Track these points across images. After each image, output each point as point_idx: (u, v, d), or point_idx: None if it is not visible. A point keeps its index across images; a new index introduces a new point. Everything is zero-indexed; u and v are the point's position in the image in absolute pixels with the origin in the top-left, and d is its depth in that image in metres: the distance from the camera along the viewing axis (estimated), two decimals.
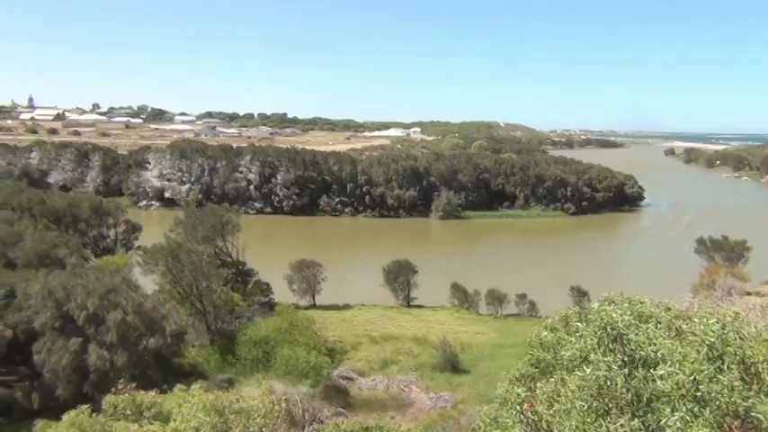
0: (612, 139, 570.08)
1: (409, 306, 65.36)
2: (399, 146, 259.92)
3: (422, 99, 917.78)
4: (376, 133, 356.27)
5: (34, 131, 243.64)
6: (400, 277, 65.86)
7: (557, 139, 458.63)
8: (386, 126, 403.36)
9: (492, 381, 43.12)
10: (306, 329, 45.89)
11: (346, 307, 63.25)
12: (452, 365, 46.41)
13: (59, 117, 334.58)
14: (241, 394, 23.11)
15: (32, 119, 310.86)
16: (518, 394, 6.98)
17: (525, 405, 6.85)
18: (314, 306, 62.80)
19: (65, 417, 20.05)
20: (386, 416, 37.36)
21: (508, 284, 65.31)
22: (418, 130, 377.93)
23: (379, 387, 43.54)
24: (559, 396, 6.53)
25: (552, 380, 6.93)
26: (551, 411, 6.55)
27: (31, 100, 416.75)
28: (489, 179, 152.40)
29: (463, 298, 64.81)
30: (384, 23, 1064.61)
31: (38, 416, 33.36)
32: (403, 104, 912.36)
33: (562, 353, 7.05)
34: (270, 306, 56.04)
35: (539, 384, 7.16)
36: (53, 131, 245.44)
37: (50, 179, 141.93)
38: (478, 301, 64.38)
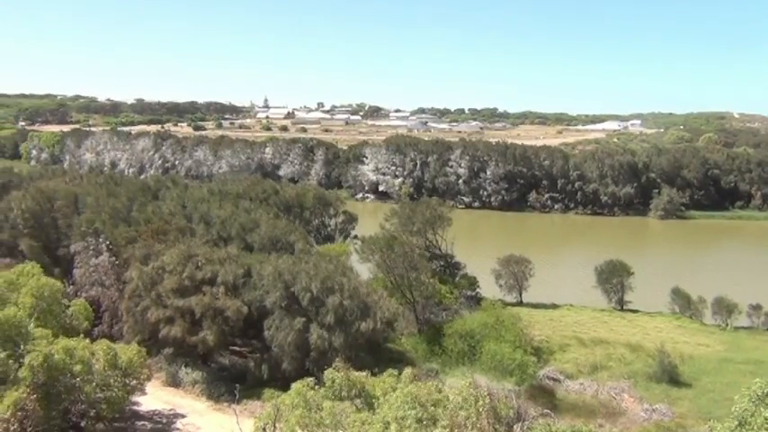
0: None
1: (622, 310, 61.66)
2: (615, 139, 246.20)
3: (641, 89, 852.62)
4: (590, 126, 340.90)
5: (268, 129, 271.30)
6: (614, 279, 62.30)
7: None
8: (601, 119, 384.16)
9: (717, 398, 39.42)
10: (512, 326, 45.43)
11: (554, 306, 61.45)
12: (670, 377, 43.02)
13: (289, 115, 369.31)
14: (442, 386, 23.67)
15: (267, 117, 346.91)
16: (766, 417, 6.28)
17: None
18: (520, 303, 61.90)
19: (293, 386, 22.26)
20: (594, 422, 35.83)
21: (739, 293, 58.85)
22: (637, 122, 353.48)
23: (588, 392, 41.82)
24: None
25: None
26: None
27: (266, 100, 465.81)
28: (719, 176, 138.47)
29: (685, 305, 59.55)
30: (596, 12, 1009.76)
31: (266, 385, 37.19)
32: (620, 95, 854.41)
33: None
34: (476, 300, 56.37)
35: None
36: (284, 128, 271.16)
37: (281, 172, 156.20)
38: (703, 309, 58.74)
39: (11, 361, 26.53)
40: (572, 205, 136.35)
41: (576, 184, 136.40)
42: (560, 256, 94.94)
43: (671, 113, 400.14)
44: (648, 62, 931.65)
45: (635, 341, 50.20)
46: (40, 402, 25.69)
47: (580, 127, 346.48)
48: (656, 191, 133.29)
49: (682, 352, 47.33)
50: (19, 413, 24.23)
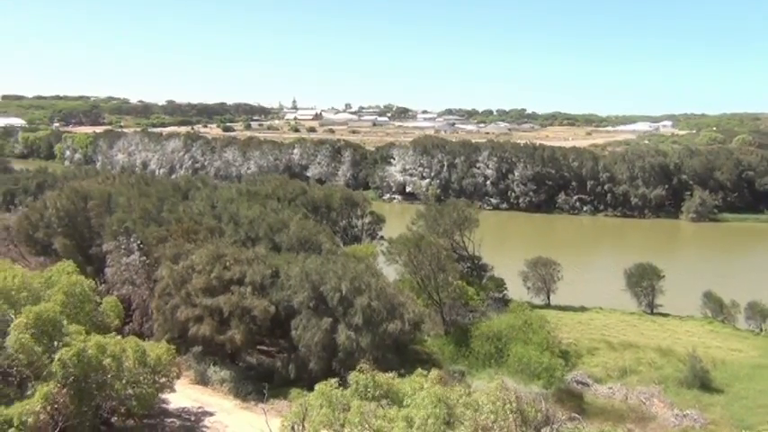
0: None
1: (652, 313, 60.66)
2: (646, 141, 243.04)
3: (673, 89, 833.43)
4: (620, 128, 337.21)
5: (296, 130, 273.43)
6: (643, 282, 61.35)
7: None
8: (631, 120, 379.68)
9: (750, 405, 38.71)
10: (540, 329, 45.04)
11: (582, 309, 60.71)
12: (702, 382, 42.26)
13: (317, 117, 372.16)
14: (469, 389, 23.59)
15: (295, 119, 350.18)
16: None
17: None
18: (548, 305, 61.29)
19: (317, 387, 22.40)
20: (623, 427, 35.38)
21: None
22: (669, 123, 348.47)
23: (617, 396, 41.32)
24: None
25: None
26: None
27: (294, 102, 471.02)
28: (754, 178, 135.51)
29: (718, 309, 58.38)
30: (628, 11, 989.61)
31: (293, 385, 37.47)
32: (651, 96, 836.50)
33: None
34: (504, 302, 55.99)
35: None
36: (312, 130, 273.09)
37: (308, 173, 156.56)
38: (736, 314, 57.56)
39: (45, 356, 27.06)
40: (601, 207, 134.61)
41: (606, 186, 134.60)
42: (589, 258, 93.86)
43: (703, 114, 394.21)
44: (680, 62, 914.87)
45: (665, 345, 49.38)
46: (71, 398, 26.18)
47: (610, 128, 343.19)
48: (688, 193, 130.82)
49: (714, 357, 46.44)
50: (49, 407, 24.69)
